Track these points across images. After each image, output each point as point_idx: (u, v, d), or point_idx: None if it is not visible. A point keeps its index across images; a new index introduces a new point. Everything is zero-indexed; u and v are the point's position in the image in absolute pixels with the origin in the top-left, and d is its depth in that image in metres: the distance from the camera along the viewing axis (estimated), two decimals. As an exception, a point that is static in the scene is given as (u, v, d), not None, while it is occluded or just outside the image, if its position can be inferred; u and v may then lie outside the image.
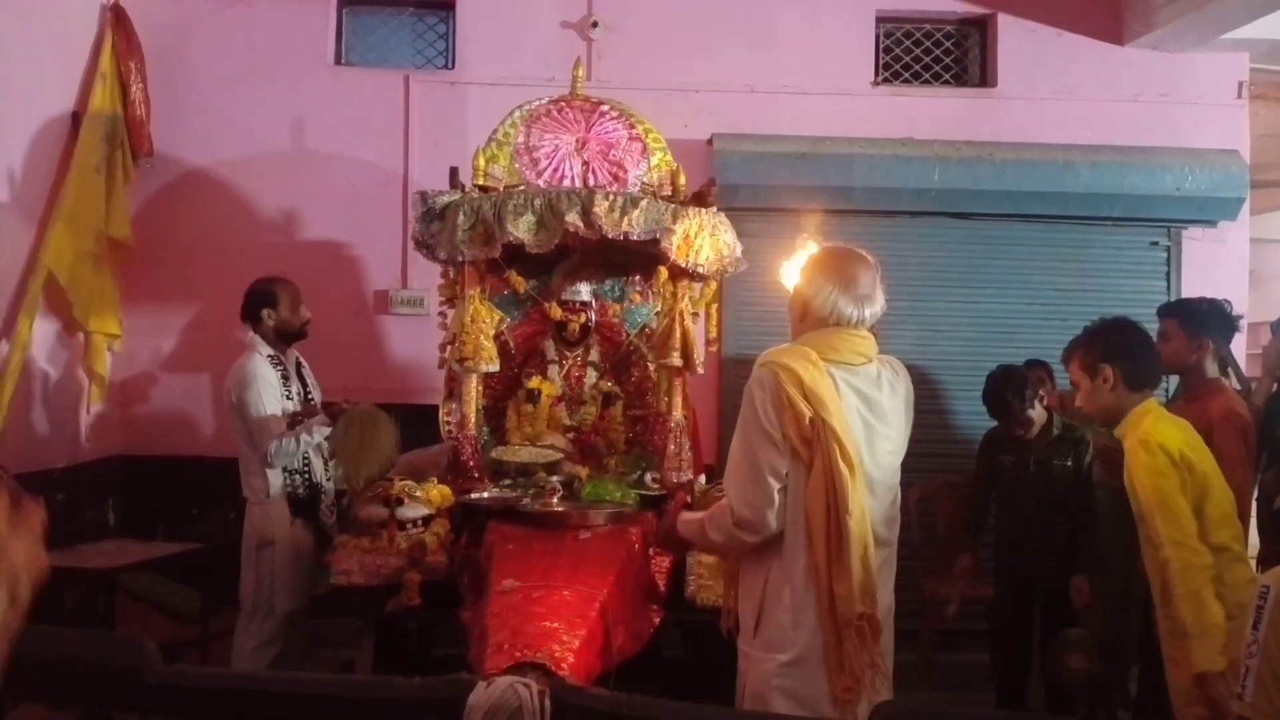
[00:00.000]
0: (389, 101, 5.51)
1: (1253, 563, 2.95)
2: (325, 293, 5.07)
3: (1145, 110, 5.72)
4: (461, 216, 3.42)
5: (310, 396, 4.18)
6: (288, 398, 4.05)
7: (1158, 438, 2.71)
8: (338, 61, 5.66)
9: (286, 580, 3.96)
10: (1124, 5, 5.79)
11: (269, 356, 4.04)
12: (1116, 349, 2.88)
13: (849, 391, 2.29)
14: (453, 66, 5.65)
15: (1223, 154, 5.55)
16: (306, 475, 4.05)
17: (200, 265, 5.33)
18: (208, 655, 4.37)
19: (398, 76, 5.57)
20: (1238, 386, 3.82)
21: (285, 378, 4.07)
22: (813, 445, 2.22)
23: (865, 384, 2.34)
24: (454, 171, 3.76)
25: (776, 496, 2.25)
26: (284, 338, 4.12)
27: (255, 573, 3.95)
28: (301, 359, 4.26)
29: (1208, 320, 3.49)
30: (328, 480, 4.12)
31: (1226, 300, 3.67)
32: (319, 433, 3.93)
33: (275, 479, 3.97)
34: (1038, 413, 4.04)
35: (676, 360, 3.68)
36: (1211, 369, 3.45)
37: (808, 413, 2.21)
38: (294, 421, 3.97)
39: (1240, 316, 3.70)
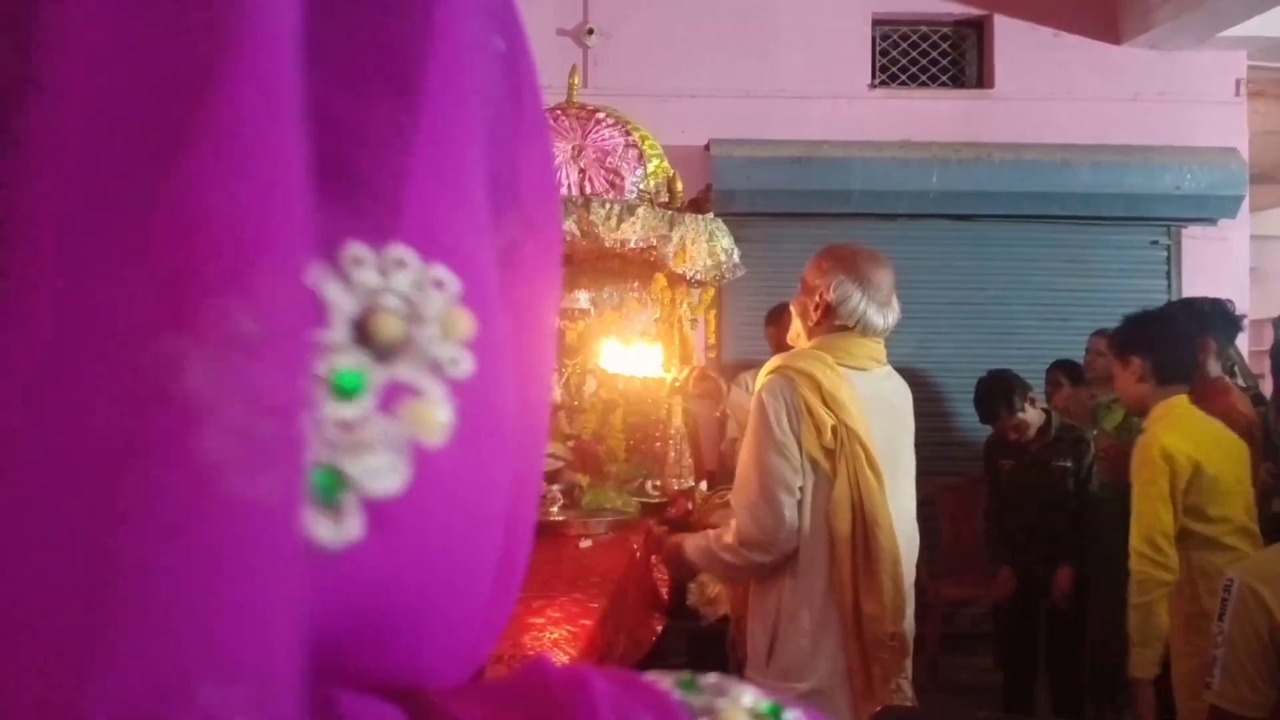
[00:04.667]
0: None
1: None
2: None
3: (1143, 109, 5.72)
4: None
5: None
6: None
7: (1163, 438, 2.71)
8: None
9: None
10: (1121, 4, 5.79)
11: None
12: (1147, 340, 2.88)
13: (869, 396, 2.21)
14: (449, 76, 5.66)
15: (1222, 152, 5.55)
16: None
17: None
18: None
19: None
20: (1244, 385, 3.81)
21: None
22: (835, 455, 2.12)
23: (881, 387, 2.28)
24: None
25: (789, 513, 2.13)
26: None
27: None
28: None
29: (1210, 319, 3.47)
30: None
31: (1229, 299, 3.66)
32: None
33: None
34: (1032, 415, 4.02)
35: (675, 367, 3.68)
36: (1215, 368, 3.43)
37: (829, 420, 2.11)
38: None
39: (1243, 315, 3.68)
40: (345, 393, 0.24)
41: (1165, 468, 2.67)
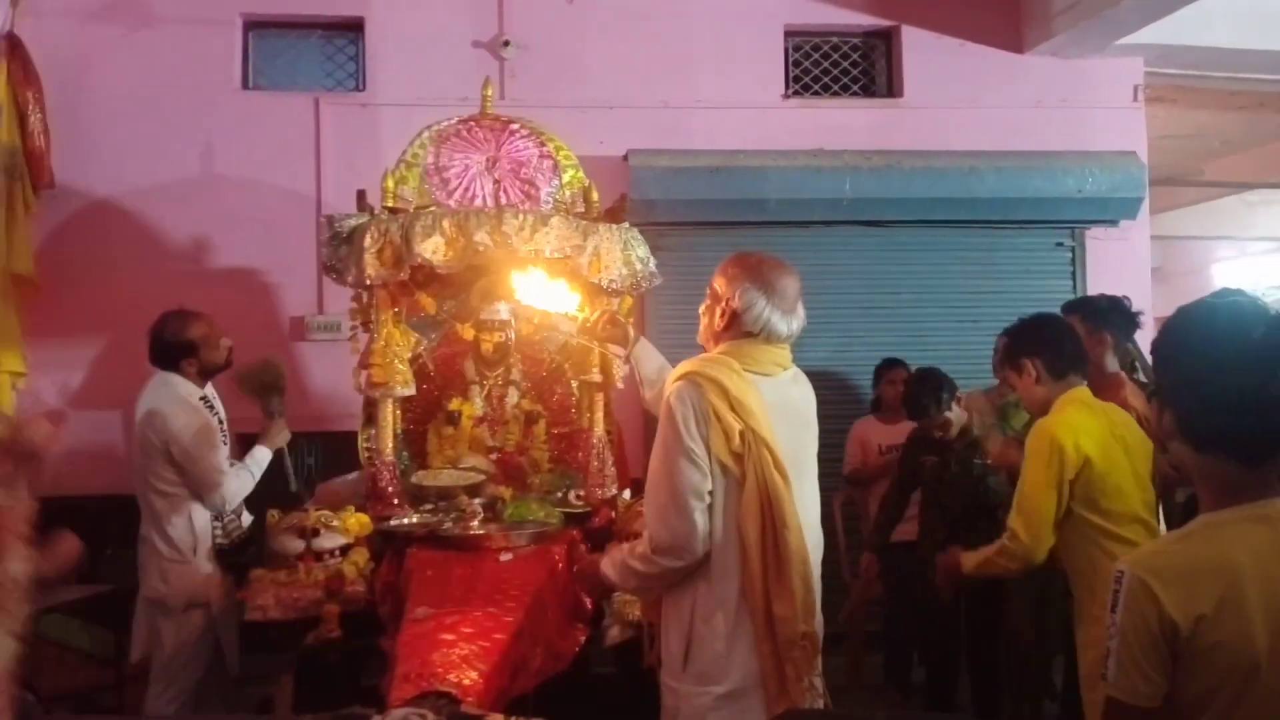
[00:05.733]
0: (299, 125, 5.45)
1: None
2: (240, 321, 4.93)
3: (1046, 116, 5.91)
4: (369, 239, 3.39)
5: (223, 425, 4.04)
6: (224, 439, 3.83)
7: (1053, 429, 2.81)
8: (245, 86, 5.58)
9: (234, 643, 3.76)
10: (1023, 14, 5.97)
11: (200, 399, 3.79)
12: (1034, 342, 3.01)
13: (774, 400, 2.24)
14: (364, 88, 5.61)
15: (1121, 156, 5.76)
16: (236, 520, 3.85)
17: (108, 297, 5.19)
18: (124, 699, 4.23)
19: (307, 99, 5.51)
20: (1144, 380, 3.94)
21: (211, 411, 3.84)
22: (744, 459, 2.14)
23: (787, 392, 2.31)
24: (361, 194, 3.73)
25: (700, 518, 2.14)
26: (208, 375, 3.88)
27: (178, 636, 3.67)
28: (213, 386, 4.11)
29: (1107, 316, 3.60)
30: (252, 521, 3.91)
31: (1126, 296, 3.79)
32: (264, 457, 3.79)
33: (203, 530, 3.71)
34: (956, 414, 4.11)
35: (596, 376, 3.70)
36: (1112, 363, 3.55)
37: (737, 425, 2.14)
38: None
39: (1141, 312, 3.81)
40: None
41: (1055, 456, 2.76)
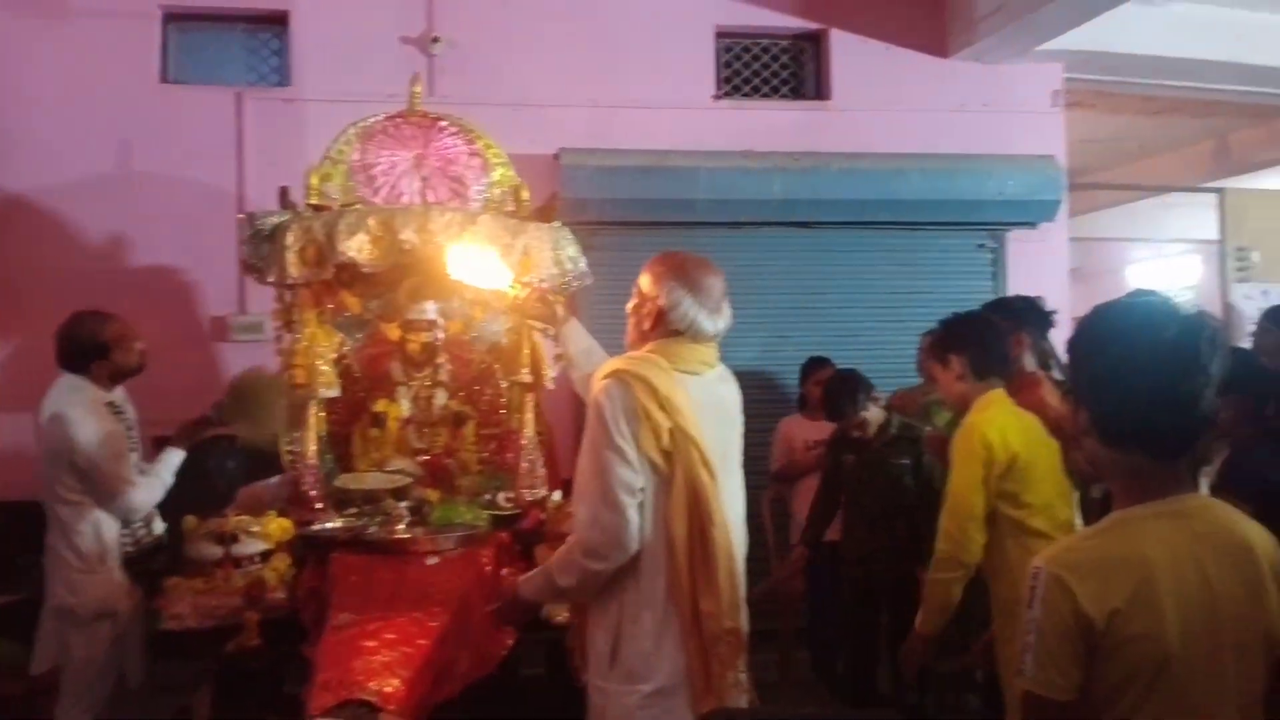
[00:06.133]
0: (220, 120, 5.33)
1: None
2: (159, 321, 4.85)
3: (969, 119, 6.03)
4: (291, 237, 3.31)
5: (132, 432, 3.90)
6: (132, 447, 3.69)
7: (982, 427, 2.88)
8: (165, 79, 5.43)
9: (138, 654, 3.64)
10: (947, 19, 6.09)
11: (107, 404, 3.63)
12: (962, 340, 3.07)
13: (701, 398, 2.25)
14: (288, 83, 5.49)
15: (1040, 159, 5.90)
16: (147, 528, 3.72)
17: (23, 297, 5.01)
18: (34, 710, 4.07)
19: (229, 94, 5.38)
20: (1059, 378, 4.03)
21: (119, 416, 3.69)
22: (672, 457, 2.15)
23: (713, 390, 2.33)
24: (284, 191, 3.64)
25: (631, 514, 2.14)
26: (119, 379, 3.73)
27: (88, 648, 3.54)
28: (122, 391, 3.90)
29: (1025, 316, 3.69)
30: (164, 528, 3.78)
31: (1041, 296, 3.89)
32: (175, 460, 3.65)
33: (111, 538, 3.57)
34: (873, 413, 4.18)
35: (526, 376, 3.66)
36: (1029, 362, 3.63)
37: (666, 423, 2.15)
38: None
39: (1055, 311, 3.90)
40: None
41: (983, 455, 2.83)
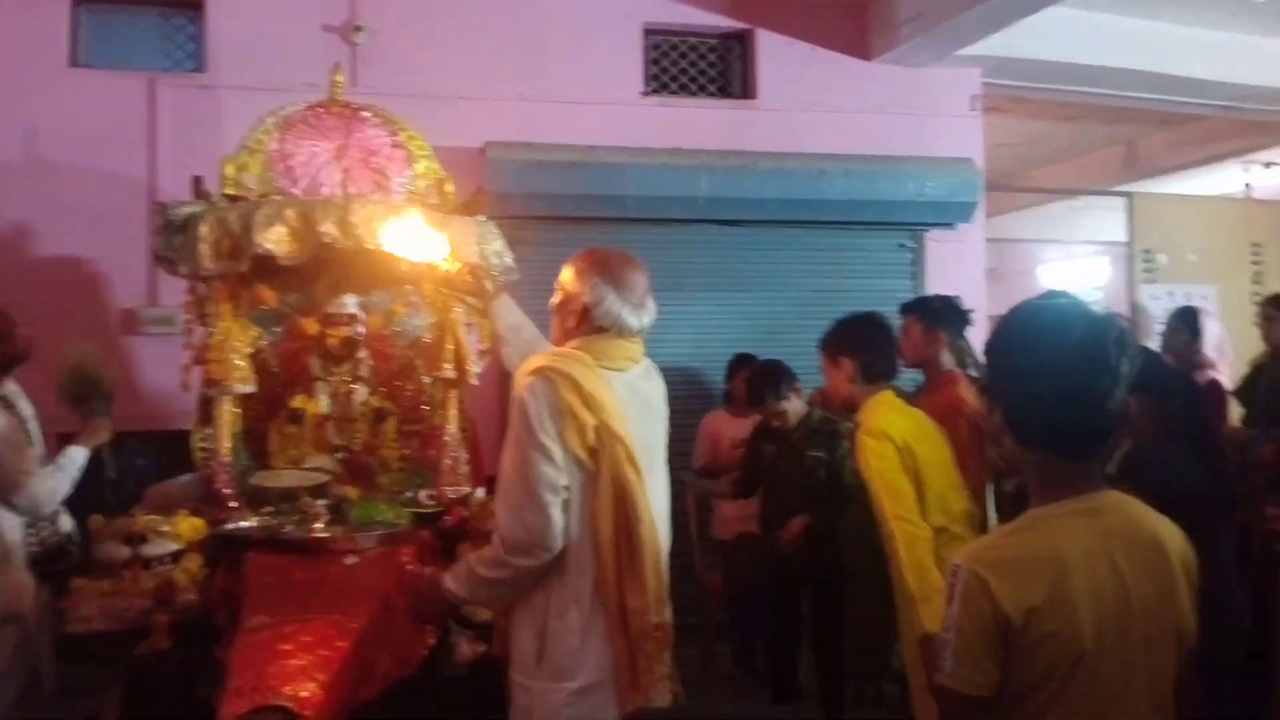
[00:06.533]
0: (132, 106, 5.16)
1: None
2: (65, 313, 4.69)
3: (890, 121, 6.13)
4: (205, 229, 3.21)
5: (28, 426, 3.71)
6: (29, 440, 3.53)
7: (883, 425, 2.93)
8: (74, 64, 5.23)
9: (49, 657, 3.49)
10: (871, 23, 6.18)
11: None
12: (854, 343, 3.11)
13: (626, 394, 2.24)
14: (204, 70, 5.34)
15: (958, 162, 6.04)
16: (52, 527, 3.57)
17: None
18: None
19: (141, 79, 5.21)
20: (975, 375, 4.13)
21: (11, 410, 3.53)
22: (598, 454, 2.14)
23: (638, 386, 2.32)
24: (197, 181, 3.52)
25: (555, 513, 2.12)
26: (6, 369, 3.57)
27: None
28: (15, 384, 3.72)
29: (942, 315, 3.77)
30: (74, 526, 3.64)
31: (958, 296, 3.98)
32: (80, 457, 3.52)
33: (15, 537, 3.41)
34: (794, 405, 4.23)
35: (450, 372, 3.60)
36: (947, 361, 3.72)
37: (591, 421, 2.13)
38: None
39: (972, 310, 3.99)
40: None
41: (891, 445, 2.88)
